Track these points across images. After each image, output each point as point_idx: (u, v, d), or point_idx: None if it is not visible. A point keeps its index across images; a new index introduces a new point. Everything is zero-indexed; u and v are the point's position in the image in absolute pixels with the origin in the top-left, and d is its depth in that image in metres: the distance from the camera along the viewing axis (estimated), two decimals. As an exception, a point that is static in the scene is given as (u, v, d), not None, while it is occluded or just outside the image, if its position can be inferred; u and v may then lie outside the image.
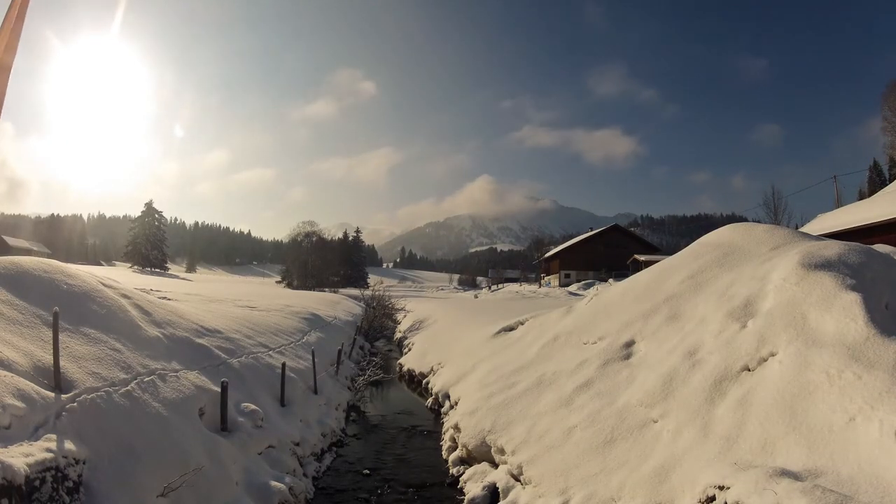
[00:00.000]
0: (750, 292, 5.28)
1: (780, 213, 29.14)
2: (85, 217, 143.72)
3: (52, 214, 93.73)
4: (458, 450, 6.65)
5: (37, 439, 3.29)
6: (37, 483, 3.04)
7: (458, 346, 12.03)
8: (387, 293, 26.95)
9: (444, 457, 6.96)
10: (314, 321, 14.16)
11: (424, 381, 11.38)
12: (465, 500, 5.38)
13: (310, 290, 42.70)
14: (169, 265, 70.07)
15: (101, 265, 74.13)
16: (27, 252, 50.13)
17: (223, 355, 7.05)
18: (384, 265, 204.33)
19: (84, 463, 3.51)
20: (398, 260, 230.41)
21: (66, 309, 5.01)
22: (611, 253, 47.55)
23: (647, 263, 25.24)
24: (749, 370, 4.27)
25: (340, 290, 47.15)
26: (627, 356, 6.09)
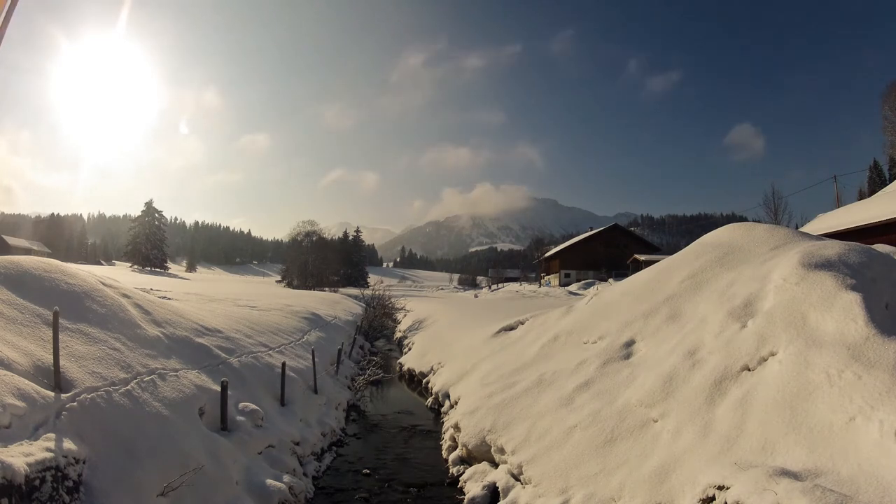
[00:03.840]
0: (750, 292, 5.28)
1: (780, 212, 29.25)
2: (85, 217, 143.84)
3: (52, 214, 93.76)
4: (458, 449, 6.65)
5: (37, 439, 3.29)
6: (37, 482, 3.04)
7: (458, 345, 12.03)
8: (387, 293, 27.00)
9: (444, 456, 6.96)
10: (314, 321, 14.16)
11: (424, 381, 11.38)
12: (465, 500, 5.37)
13: (310, 289, 42.71)
14: (169, 264, 70.15)
15: (101, 264, 74.33)
16: (27, 252, 50.15)
17: (223, 354, 7.05)
18: (384, 265, 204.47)
19: (84, 462, 3.51)
20: (398, 259, 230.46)
21: (67, 308, 5.01)
22: (611, 253, 47.57)
23: (647, 263, 25.24)
24: (749, 370, 4.27)
25: (340, 289, 47.14)
26: (627, 356, 6.09)
